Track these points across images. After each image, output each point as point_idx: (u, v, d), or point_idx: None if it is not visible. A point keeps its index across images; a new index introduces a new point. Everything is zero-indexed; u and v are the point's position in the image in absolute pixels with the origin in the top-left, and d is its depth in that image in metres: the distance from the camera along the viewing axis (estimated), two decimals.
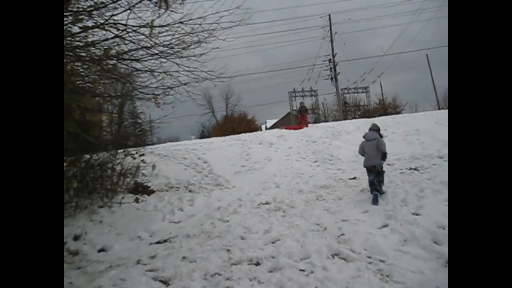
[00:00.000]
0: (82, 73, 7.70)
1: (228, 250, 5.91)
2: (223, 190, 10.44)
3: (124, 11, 6.58)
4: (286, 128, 19.69)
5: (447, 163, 9.76)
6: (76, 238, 6.87)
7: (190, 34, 7.68)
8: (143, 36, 7.19)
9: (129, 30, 6.91)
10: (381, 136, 8.70)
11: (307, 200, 8.39)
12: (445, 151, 10.90)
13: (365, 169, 8.44)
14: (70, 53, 6.53)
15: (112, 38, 7.00)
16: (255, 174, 11.99)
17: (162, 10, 6.93)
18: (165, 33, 7.56)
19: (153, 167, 10.82)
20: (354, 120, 20.85)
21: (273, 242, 6.04)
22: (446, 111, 19.71)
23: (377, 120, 17.18)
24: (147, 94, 9.09)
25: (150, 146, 15.53)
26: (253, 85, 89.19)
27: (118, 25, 6.78)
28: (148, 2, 6.79)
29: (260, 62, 70.34)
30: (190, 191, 10.43)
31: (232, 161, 13.55)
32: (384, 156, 8.26)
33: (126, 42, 7.20)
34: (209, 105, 50.57)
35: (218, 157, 14.03)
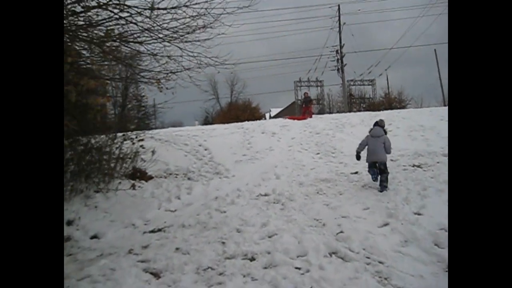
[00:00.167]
0: (83, 55, 7.54)
1: (223, 243, 5.75)
2: (222, 179, 10.27)
3: None
4: (290, 118, 19.46)
5: None
6: (69, 223, 6.74)
7: (195, 18, 7.50)
8: (147, 19, 7.05)
9: (133, 12, 6.76)
10: (385, 132, 8.77)
11: (307, 194, 8.21)
12: None
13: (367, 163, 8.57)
14: (70, 33, 6.34)
15: (115, 19, 6.85)
16: (256, 164, 11.80)
17: None
18: (170, 16, 7.41)
19: (153, 152, 10.68)
20: (358, 113, 20.60)
21: (269, 237, 5.87)
22: None
23: (382, 114, 17.00)
24: (149, 78, 8.96)
25: (151, 131, 15.41)
26: (259, 72, 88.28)
27: (122, 6, 6.61)
28: None
29: (267, 50, 69.83)
30: (189, 178, 10.27)
31: (234, 150, 13.36)
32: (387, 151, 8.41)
33: (130, 24, 7.05)
34: (214, 91, 50.36)
35: (219, 144, 13.85)
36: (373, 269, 4.66)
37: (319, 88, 40.17)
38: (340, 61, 35.86)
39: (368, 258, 4.98)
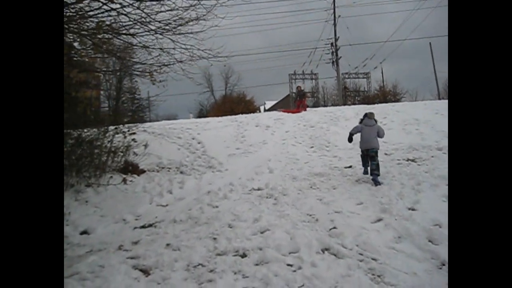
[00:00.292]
0: (74, 47, 7.40)
1: (215, 239, 5.66)
2: (215, 173, 10.18)
3: None
4: (284, 111, 19.36)
5: (446, 155, 9.57)
6: None
7: (188, 9, 7.39)
8: (139, 11, 6.93)
9: (125, 3, 6.64)
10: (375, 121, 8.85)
11: (300, 188, 8.13)
12: (444, 142, 10.66)
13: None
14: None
15: (107, 11, 6.74)
16: (249, 157, 11.72)
17: None
18: (162, 8, 7.31)
19: (145, 146, 10.57)
20: (353, 106, 20.55)
21: (261, 232, 5.78)
22: (447, 101, 19.47)
23: (376, 107, 16.99)
24: (142, 71, 8.86)
25: (144, 124, 15.29)
26: (254, 65, 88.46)
27: None
28: None
29: (262, 42, 69.61)
30: (181, 172, 10.18)
31: (227, 143, 13.26)
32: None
33: (121, 16, 6.93)
34: (208, 84, 50.10)
35: (213, 138, 13.75)
36: (366, 266, 4.58)
37: (313, 81, 40.24)
38: (335, 54, 35.75)
39: (361, 254, 4.90)
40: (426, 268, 4.49)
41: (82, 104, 7.60)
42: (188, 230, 6.12)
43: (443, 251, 4.71)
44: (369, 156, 8.35)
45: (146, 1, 6.61)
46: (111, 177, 8.62)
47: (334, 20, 35.41)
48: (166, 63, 8.46)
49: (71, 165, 8.02)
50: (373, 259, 4.76)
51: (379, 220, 6.04)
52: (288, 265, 4.72)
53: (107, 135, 9.33)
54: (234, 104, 37.52)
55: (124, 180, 8.65)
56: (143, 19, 7.07)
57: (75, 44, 7.32)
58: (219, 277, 4.52)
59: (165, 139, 13.27)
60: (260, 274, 4.49)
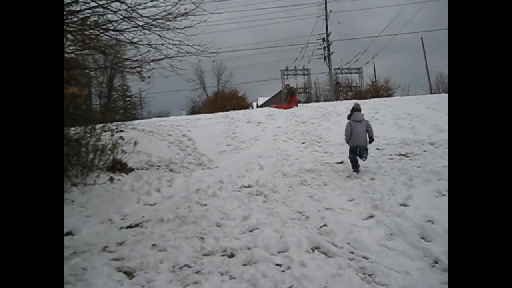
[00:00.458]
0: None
1: (202, 238, 5.51)
2: (205, 170, 10.00)
3: None
4: (276, 107, 19.27)
5: (438, 150, 9.55)
6: None
7: (175, 4, 7.26)
8: (124, 5, 6.79)
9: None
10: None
11: (290, 185, 8.00)
12: (436, 137, 10.62)
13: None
14: None
15: (93, 7, 6.61)
16: (240, 154, 11.57)
17: None
18: (149, 3, 7.20)
19: (135, 143, 10.39)
20: (345, 101, 20.49)
21: (250, 231, 5.63)
22: (439, 95, 19.46)
23: (368, 102, 16.90)
24: (131, 67, 8.70)
25: (135, 121, 15.13)
26: (246, 61, 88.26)
27: None
28: None
29: (254, 38, 69.58)
30: (170, 170, 10.00)
31: (218, 140, 13.09)
32: (371, 140, 8.61)
33: (107, 10, 6.79)
34: (200, 81, 49.88)
35: (203, 134, 13.58)
36: (357, 265, 4.45)
37: (306, 76, 40.22)
38: (326, 49, 35.75)
39: (352, 253, 4.76)
40: (418, 266, 4.36)
41: (65, 101, 7.37)
42: (175, 230, 5.97)
43: (435, 248, 4.61)
44: (360, 150, 8.46)
45: None
46: (98, 176, 8.43)
47: (326, 15, 35.38)
48: (154, 59, 8.29)
49: None
50: (364, 257, 4.62)
51: (371, 216, 5.91)
52: (277, 265, 4.58)
53: (93, 133, 9.13)
54: (226, 100, 37.27)
55: (111, 179, 8.47)
56: (129, 14, 6.93)
57: None
58: (205, 278, 4.38)
59: (155, 137, 13.10)
60: (248, 275, 4.34)
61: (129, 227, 6.41)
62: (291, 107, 18.61)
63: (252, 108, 36.24)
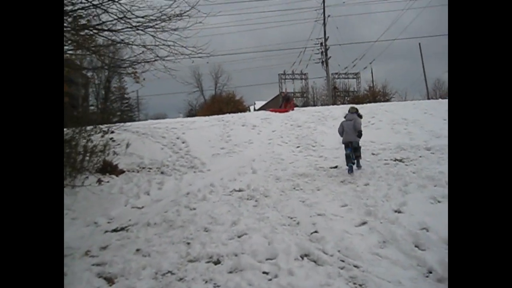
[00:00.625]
0: None
1: (188, 244, 5.31)
2: (196, 173, 9.83)
3: None
4: (272, 111, 19.16)
5: (434, 155, 9.40)
6: None
7: (171, 6, 7.28)
8: (119, 5, 6.83)
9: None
10: (360, 116, 9.32)
11: (283, 189, 7.80)
12: (432, 142, 10.48)
13: (343, 145, 9.17)
14: None
15: (87, 8, 6.53)
16: (233, 157, 11.42)
17: None
18: (143, 4, 7.23)
19: (127, 145, 10.23)
20: (341, 106, 20.41)
21: (239, 237, 5.43)
22: (436, 101, 19.39)
23: (365, 107, 16.78)
24: (125, 67, 8.62)
25: (130, 123, 15.04)
26: (244, 65, 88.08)
27: None
28: None
29: (252, 42, 69.41)
30: (162, 172, 9.83)
31: (212, 143, 12.96)
32: (359, 134, 8.97)
33: (102, 11, 6.81)
34: (198, 83, 49.78)
35: (197, 137, 13.46)
36: (347, 274, 4.24)
37: (303, 81, 40.13)
38: (324, 54, 35.69)
39: (343, 261, 4.55)
40: (411, 276, 4.15)
41: None
42: (162, 234, 5.77)
43: (430, 257, 4.39)
44: (352, 148, 8.84)
45: None
46: (87, 178, 8.26)
47: (324, 19, 35.39)
48: (147, 60, 8.18)
49: None
50: (355, 266, 4.41)
51: (364, 223, 5.71)
52: (264, 273, 4.36)
53: (82, 134, 8.95)
54: (223, 104, 37.03)
55: (99, 181, 8.28)
56: (123, 15, 6.86)
57: None
58: (187, 286, 4.17)
59: (149, 139, 12.97)
60: (233, 284, 4.13)
61: (115, 230, 6.21)
62: (287, 111, 18.52)
63: (250, 111, 36.14)
